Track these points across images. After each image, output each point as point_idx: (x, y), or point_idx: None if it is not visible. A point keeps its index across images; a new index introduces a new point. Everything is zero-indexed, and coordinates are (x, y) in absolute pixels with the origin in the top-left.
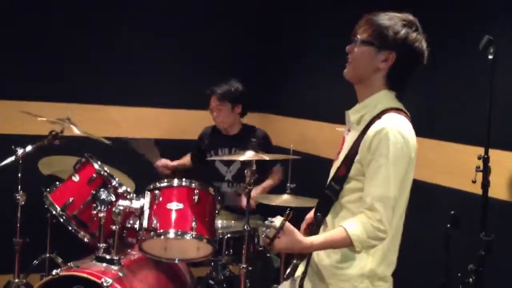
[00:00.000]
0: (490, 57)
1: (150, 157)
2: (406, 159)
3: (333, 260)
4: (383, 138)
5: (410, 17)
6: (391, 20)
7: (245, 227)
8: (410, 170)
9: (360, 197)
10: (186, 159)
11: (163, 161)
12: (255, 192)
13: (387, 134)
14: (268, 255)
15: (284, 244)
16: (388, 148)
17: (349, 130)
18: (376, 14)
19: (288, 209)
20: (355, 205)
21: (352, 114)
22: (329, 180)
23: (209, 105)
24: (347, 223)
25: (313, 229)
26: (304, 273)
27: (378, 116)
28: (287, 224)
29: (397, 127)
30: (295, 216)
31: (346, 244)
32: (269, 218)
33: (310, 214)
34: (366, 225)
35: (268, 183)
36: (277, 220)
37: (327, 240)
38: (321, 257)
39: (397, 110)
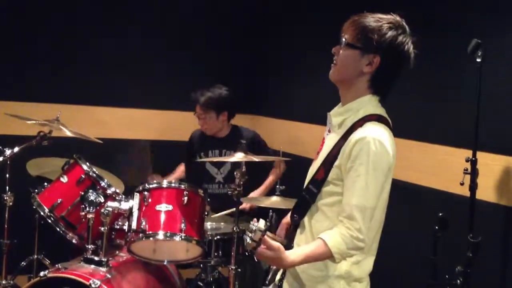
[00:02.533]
0: (478, 60)
1: (144, 164)
2: (385, 169)
3: (311, 264)
4: (364, 147)
5: (398, 18)
6: (377, 22)
7: (234, 229)
8: (388, 178)
9: (336, 201)
10: (180, 171)
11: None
12: (257, 193)
13: (369, 143)
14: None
15: (266, 257)
16: (368, 157)
17: (329, 131)
18: (363, 15)
19: (271, 210)
20: (330, 208)
21: (334, 117)
22: (306, 182)
23: (195, 112)
24: (326, 235)
25: (289, 231)
26: (283, 275)
27: (360, 123)
28: (273, 242)
29: (379, 137)
30: (281, 218)
31: (326, 257)
32: (253, 222)
33: (286, 219)
34: (345, 237)
35: (269, 180)
36: (261, 223)
37: (308, 256)
38: None
39: (379, 117)
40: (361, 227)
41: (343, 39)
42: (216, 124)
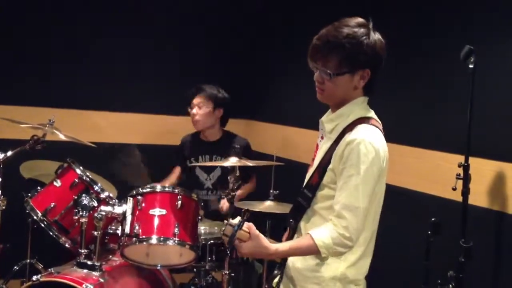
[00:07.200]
0: (471, 66)
1: (136, 173)
2: (376, 170)
3: (306, 265)
4: (354, 148)
5: (358, 19)
6: (348, 36)
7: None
8: (381, 179)
9: (332, 204)
10: (174, 176)
11: None
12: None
13: (359, 145)
14: (244, 259)
15: (249, 249)
16: (359, 158)
17: (322, 138)
18: (328, 35)
19: (246, 208)
20: (327, 211)
21: (327, 123)
22: (302, 187)
23: (191, 104)
24: (314, 230)
25: (289, 236)
26: (280, 278)
27: (350, 127)
28: (253, 229)
29: (369, 139)
30: (275, 223)
31: (312, 251)
32: (229, 219)
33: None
34: (332, 232)
35: (238, 193)
36: (236, 220)
37: (293, 246)
38: (295, 262)
39: (369, 119)
40: (348, 225)
41: (327, 70)
42: (209, 118)
